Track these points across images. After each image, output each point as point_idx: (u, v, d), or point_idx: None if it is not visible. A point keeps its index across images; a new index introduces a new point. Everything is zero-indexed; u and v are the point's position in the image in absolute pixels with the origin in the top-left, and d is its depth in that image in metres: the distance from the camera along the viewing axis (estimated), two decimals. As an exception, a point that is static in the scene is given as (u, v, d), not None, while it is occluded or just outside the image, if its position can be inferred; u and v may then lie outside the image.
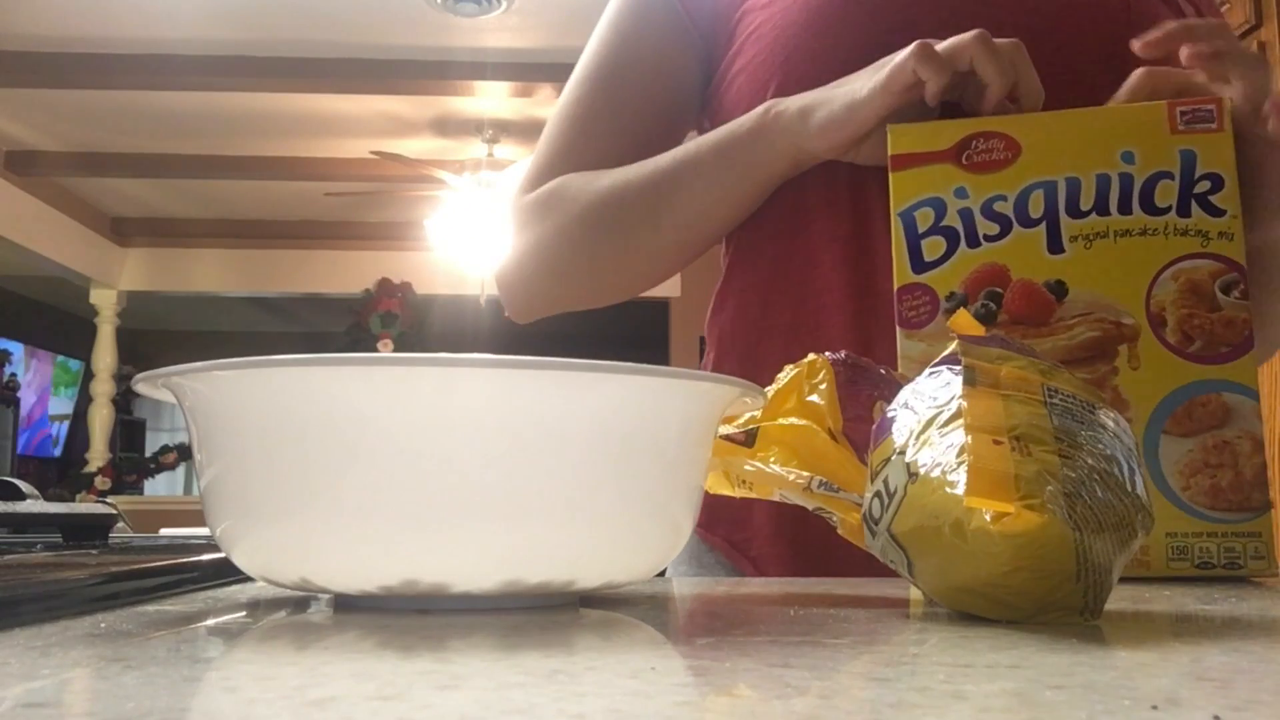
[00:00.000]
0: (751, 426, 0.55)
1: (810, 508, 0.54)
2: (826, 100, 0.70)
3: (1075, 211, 0.66)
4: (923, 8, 0.75)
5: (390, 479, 0.39)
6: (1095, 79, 0.74)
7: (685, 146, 0.79)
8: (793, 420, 0.54)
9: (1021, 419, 0.41)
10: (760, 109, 0.73)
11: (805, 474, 0.53)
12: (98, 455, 6.62)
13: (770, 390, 0.56)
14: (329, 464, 0.39)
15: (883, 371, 0.56)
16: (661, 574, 0.84)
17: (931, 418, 0.43)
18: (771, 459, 0.54)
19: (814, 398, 0.55)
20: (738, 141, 0.74)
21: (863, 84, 0.68)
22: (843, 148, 0.71)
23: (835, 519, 0.54)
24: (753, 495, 0.55)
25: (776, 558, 0.76)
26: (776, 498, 0.55)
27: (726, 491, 0.56)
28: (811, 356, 0.57)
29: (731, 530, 0.79)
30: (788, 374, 0.57)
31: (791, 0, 0.78)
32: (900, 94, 0.67)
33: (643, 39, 0.86)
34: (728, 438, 0.55)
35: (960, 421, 0.42)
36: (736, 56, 0.82)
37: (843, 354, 0.57)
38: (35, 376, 8.03)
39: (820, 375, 0.55)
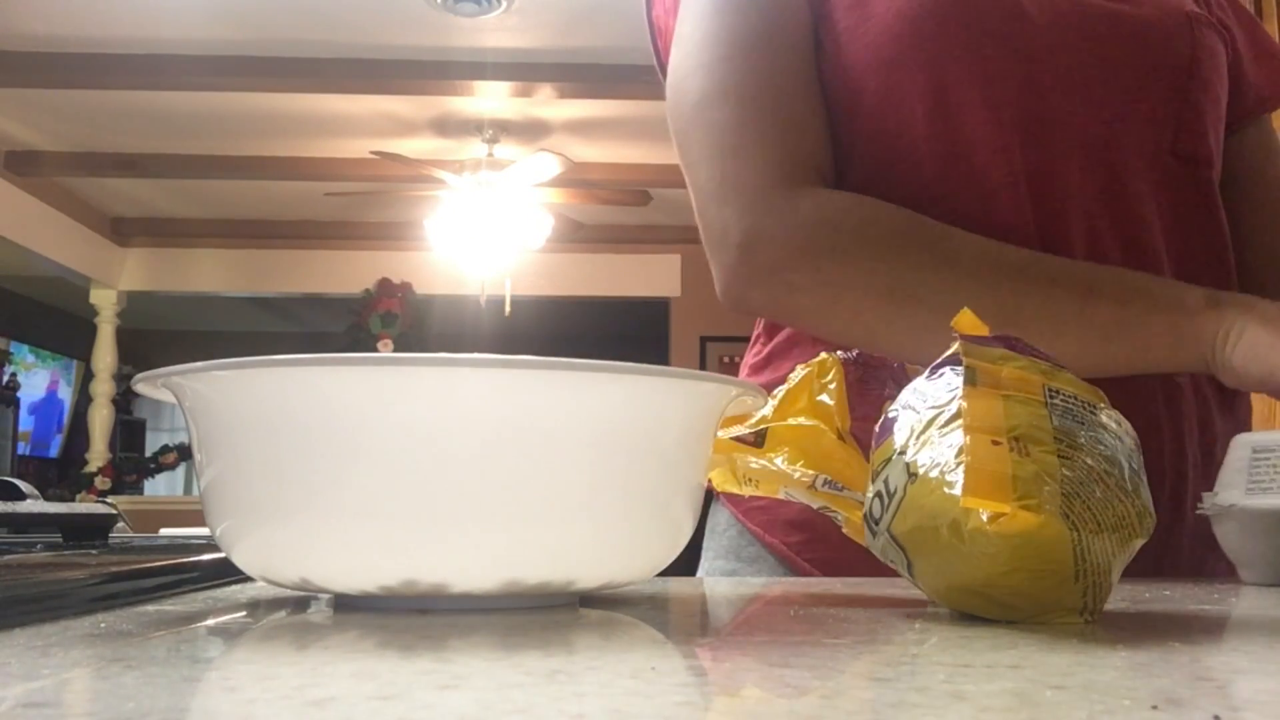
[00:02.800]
0: (761, 427, 0.55)
1: (815, 506, 0.54)
2: (1261, 325, 0.63)
3: None
4: (1018, 24, 0.75)
5: (390, 479, 0.39)
6: (1162, 111, 0.77)
7: (1067, 265, 0.70)
8: (802, 421, 0.54)
9: (1021, 419, 0.41)
10: (1199, 293, 0.67)
11: (810, 472, 0.53)
12: (98, 455, 6.62)
13: (782, 390, 0.56)
14: (329, 464, 0.39)
15: (895, 367, 0.56)
16: (694, 567, 0.84)
17: (932, 418, 0.43)
18: (778, 458, 0.54)
19: (824, 398, 0.55)
20: (1156, 308, 0.67)
21: None
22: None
23: (840, 518, 0.54)
24: (759, 493, 0.55)
25: (847, 562, 0.74)
26: (782, 495, 0.55)
27: (733, 489, 0.56)
28: (823, 355, 0.57)
29: (789, 533, 0.78)
30: (799, 374, 0.57)
31: (882, 9, 0.76)
32: None
33: (780, 11, 0.78)
34: (738, 439, 0.55)
35: (960, 422, 0.42)
36: (817, 53, 0.78)
37: (854, 353, 0.57)
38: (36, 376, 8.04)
39: (830, 375, 0.55)
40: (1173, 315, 0.66)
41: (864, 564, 0.71)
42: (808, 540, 0.77)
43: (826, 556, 0.76)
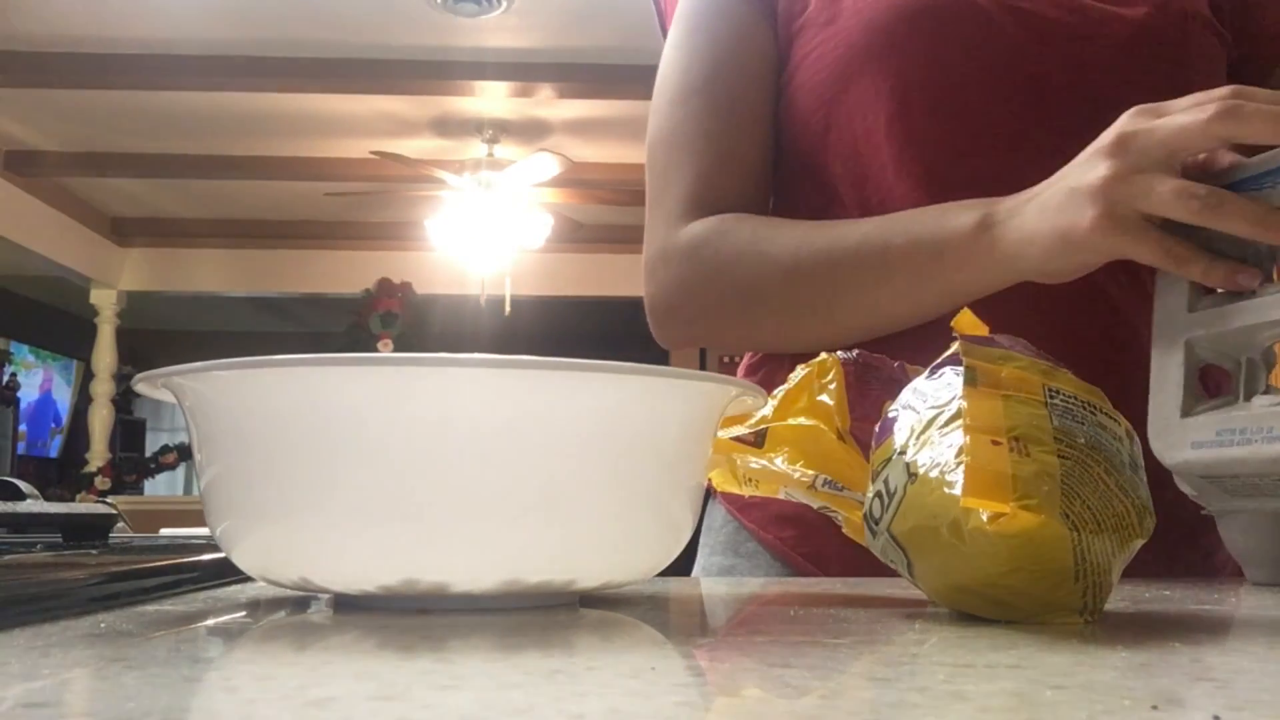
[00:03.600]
0: (761, 427, 0.55)
1: (815, 506, 0.54)
2: (1042, 228, 0.62)
3: None
4: (984, 33, 0.76)
5: (390, 479, 0.39)
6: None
7: (863, 233, 0.72)
8: (802, 420, 0.54)
9: (1021, 419, 0.41)
10: (971, 219, 0.67)
11: (810, 472, 0.53)
12: (98, 455, 6.62)
13: (781, 390, 0.56)
14: (329, 464, 0.39)
15: (895, 367, 0.56)
16: (690, 561, 0.85)
17: (932, 418, 0.43)
18: (778, 457, 0.54)
19: (824, 398, 0.55)
20: (941, 252, 0.68)
21: (1079, 209, 0.60)
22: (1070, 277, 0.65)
23: (840, 517, 0.54)
24: (759, 493, 0.55)
25: (839, 557, 0.76)
26: (782, 495, 0.55)
27: (733, 489, 0.56)
28: (823, 355, 0.57)
29: (782, 528, 0.79)
30: (799, 374, 0.57)
31: (852, 22, 0.78)
32: (1125, 234, 0.58)
33: (740, 40, 0.83)
34: (738, 439, 0.55)
35: (960, 422, 0.42)
36: (796, 70, 0.81)
37: (854, 353, 0.57)
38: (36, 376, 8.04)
39: (830, 375, 0.55)
40: (957, 247, 0.67)
41: (856, 559, 0.72)
42: (800, 535, 0.78)
43: (819, 551, 0.77)
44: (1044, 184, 0.65)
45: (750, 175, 0.82)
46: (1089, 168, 0.61)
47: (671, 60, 0.85)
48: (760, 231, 0.77)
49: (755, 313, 0.77)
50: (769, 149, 0.82)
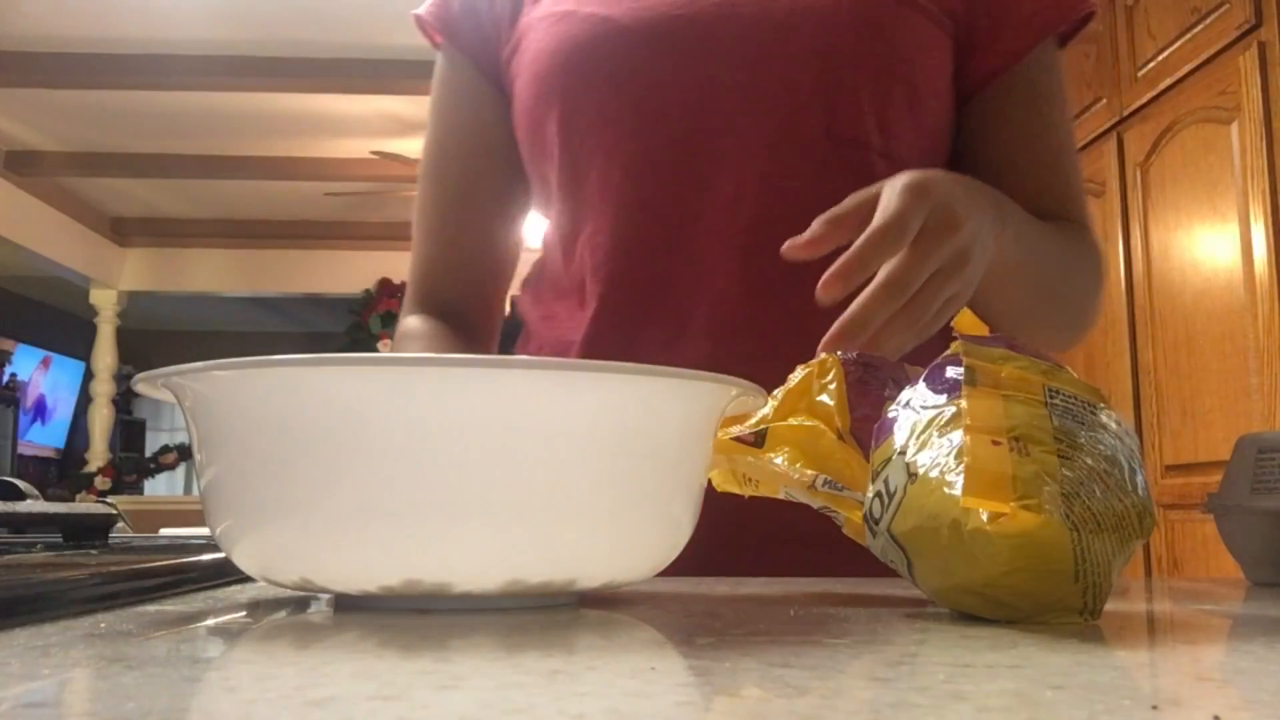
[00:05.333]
0: (761, 427, 0.55)
1: (815, 506, 0.54)
2: None
3: None
4: (631, 61, 0.77)
5: (390, 479, 0.39)
6: (810, 97, 0.76)
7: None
8: (802, 420, 0.54)
9: (1021, 419, 0.41)
10: None
11: (810, 472, 0.53)
12: (98, 455, 6.62)
13: (781, 390, 0.56)
14: (329, 464, 0.39)
15: (895, 367, 0.56)
16: None
17: (932, 418, 0.43)
18: (778, 457, 0.54)
19: (824, 398, 0.55)
20: None
21: None
22: None
23: (840, 518, 0.54)
24: (759, 493, 0.55)
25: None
26: (782, 495, 0.55)
27: (734, 489, 0.56)
28: (823, 355, 0.57)
29: None
30: (799, 374, 0.57)
31: (526, 61, 0.81)
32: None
33: (461, 113, 0.88)
34: (738, 439, 0.55)
35: (960, 422, 0.42)
36: (513, 98, 0.84)
37: (854, 354, 0.57)
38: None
39: (830, 375, 0.55)
40: None
41: (763, 562, 0.72)
42: None
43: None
44: None
45: (469, 261, 0.88)
46: None
47: (425, 136, 0.91)
48: (409, 345, 0.84)
49: None
50: (496, 228, 0.88)
